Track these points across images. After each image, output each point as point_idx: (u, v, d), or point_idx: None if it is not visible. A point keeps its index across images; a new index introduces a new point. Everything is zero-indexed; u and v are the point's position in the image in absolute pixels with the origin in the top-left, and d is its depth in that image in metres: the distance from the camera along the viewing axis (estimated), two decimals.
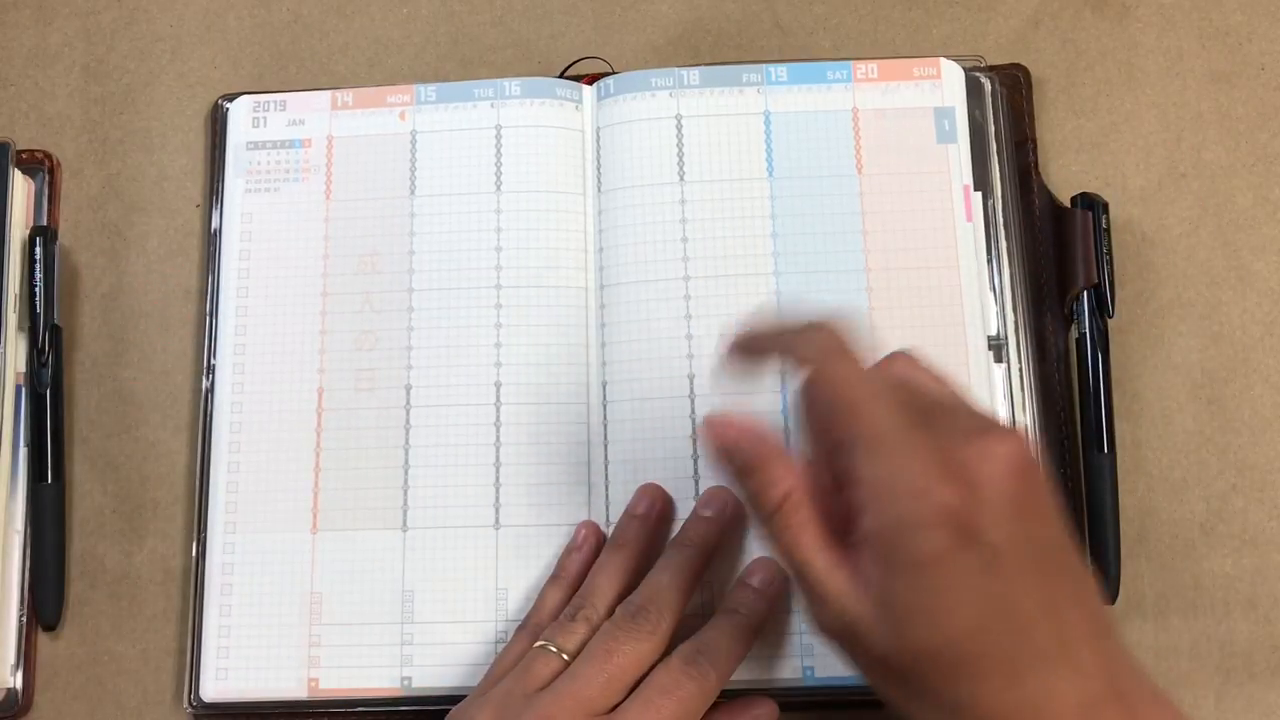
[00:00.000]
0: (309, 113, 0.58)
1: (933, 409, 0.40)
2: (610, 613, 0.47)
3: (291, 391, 0.55)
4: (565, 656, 0.46)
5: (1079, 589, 0.39)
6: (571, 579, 0.50)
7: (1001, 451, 0.37)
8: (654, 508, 0.51)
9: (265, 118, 0.58)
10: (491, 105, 0.57)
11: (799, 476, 0.41)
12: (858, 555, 0.39)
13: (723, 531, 0.50)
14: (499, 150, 0.56)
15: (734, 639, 0.46)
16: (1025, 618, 0.37)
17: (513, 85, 0.57)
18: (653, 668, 0.45)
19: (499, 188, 0.56)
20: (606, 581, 0.48)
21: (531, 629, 0.49)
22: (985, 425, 0.39)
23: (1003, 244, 0.55)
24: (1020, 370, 0.53)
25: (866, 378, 0.40)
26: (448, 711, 0.47)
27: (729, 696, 0.47)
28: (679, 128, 0.56)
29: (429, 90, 0.57)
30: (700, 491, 0.52)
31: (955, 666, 0.38)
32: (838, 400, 0.40)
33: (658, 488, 0.51)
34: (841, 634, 0.40)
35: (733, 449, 0.43)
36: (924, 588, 0.37)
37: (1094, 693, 0.37)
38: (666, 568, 0.48)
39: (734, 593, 0.48)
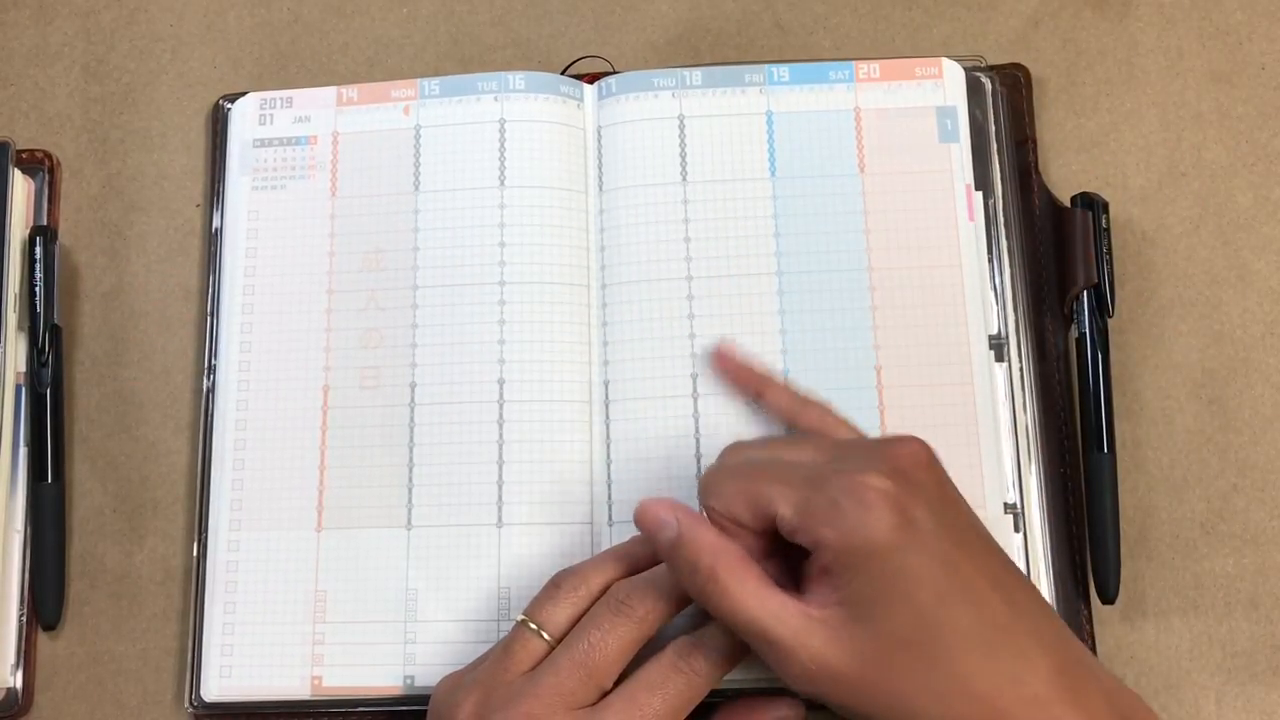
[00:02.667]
0: (315, 109, 0.58)
1: (839, 445, 0.45)
2: (603, 592, 0.45)
3: (297, 389, 0.54)
4: (546, 636, 0.44)
5: (1010, 570, 0.42)
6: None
7: (916, 448, 0.42)
8: None
9: (272, 115, 0.58)
10: (495, 99, 0.57)
11: (724, 540, 0.42)
12: (813, 586, 0.41)
13: None
14: (502, 145, 0.56)
15: (732, 640, 0.43)
16: (977, 590, 0.39)
17: (516, 79, 0.57)
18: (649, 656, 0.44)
19: (502, 183, 0.56)
20: (610, 561, 0.47)
21: None
22: (890, 437, 0.43)
23: (1003, 243, 0.55)
24: (1021, 369, 0.53)
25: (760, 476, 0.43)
26: None
27: (731, 696, 0.47)
28: (681, 128, 0.56)
29: (432, 84, 0.57)
30: None
31: (933, 647, 0.38)
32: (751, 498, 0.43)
33: None
34: (817, 674, 0.40)
35: (656, 527, 0.43)
36: (885, 572, 0.39)
37: (1061, 661, 0.39)
38: None
39: None
